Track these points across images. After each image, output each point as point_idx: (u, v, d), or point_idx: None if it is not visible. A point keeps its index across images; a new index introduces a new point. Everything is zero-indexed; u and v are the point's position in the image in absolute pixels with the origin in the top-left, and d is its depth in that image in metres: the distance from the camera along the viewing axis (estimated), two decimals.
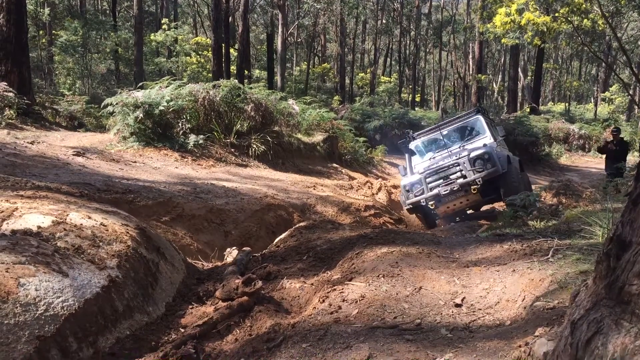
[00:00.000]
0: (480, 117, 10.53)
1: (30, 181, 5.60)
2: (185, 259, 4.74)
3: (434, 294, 3.16)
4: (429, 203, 9.40)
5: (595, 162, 22.37)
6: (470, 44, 41.89)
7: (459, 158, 9.37)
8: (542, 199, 8.56)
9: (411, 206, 9.68)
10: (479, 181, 8.98)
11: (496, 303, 2.96)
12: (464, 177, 9.14)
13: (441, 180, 9.31)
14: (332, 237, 5.10)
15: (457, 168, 9.24)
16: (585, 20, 15.06)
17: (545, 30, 14.30)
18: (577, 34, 16.04)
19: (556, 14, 14.82)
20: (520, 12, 14.35)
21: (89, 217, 3.69)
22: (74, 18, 26.06)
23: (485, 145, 9.62)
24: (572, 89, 47.20)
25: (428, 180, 9.44)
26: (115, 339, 2.95)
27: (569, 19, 14.45)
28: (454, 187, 9.16)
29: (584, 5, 14.03)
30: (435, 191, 9.29)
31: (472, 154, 9.24)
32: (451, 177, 9.27)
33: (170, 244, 4.61)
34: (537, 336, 2.03)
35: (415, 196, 9.52)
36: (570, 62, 52.77)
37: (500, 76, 48.15)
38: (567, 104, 45.31)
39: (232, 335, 3.14)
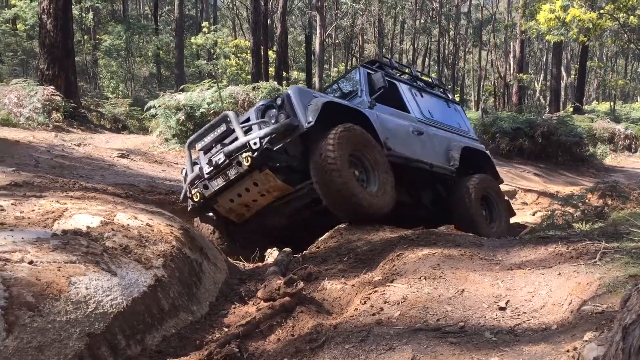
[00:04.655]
0: (361, 70, 6.80)
1: (78, 182, 5.78)
2: (227, 259, 4.81)
3: (477, 297, 3.12)
4: (193, 193, 5.69)
5: None
6: (511, 43, 41.14)
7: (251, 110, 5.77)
8: (587, 201, 8.34)
9: (189, 205, 5.98)
10: (256, 143, 5.11)
11: (542, 307, 2.91)
12: (236, 139, 5.33)
13: (218, 147, 5.59)
14: (372, 238, 5.09)
15: (227, 126, 5.49)
16: (631, 17, 14.66)
17: (590, 27, 13.97)
18: (624, 30, 15.61)
19: (601, 11, 14.47)
20: (564, 8, 14.06)
21: (135, 218, 3.78)
22: (117, 23, 26.69)
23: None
24: (617, 87, 45.86)
25: (199, 146, 5.81)
26: (161, 337, 3.01)
27: (614, 15, 14.09)
28: (219, 160, 5.37)
29: (630, 2, 13.66)
30: (196, 169, 5.68)
31: (268, 101, 5.69)
32: (226, 141, 5.53)
33: (213, 244, 4.68)
34: (586, 341, 1.99)
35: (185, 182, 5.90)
36: (615, 60, 51.34)
37: (542, 75, 47.20)
38: (612, 103, 44.08)
39: (274, 335, 3.17)
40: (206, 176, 5.50)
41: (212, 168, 5.43)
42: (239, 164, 5.19)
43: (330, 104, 5.52)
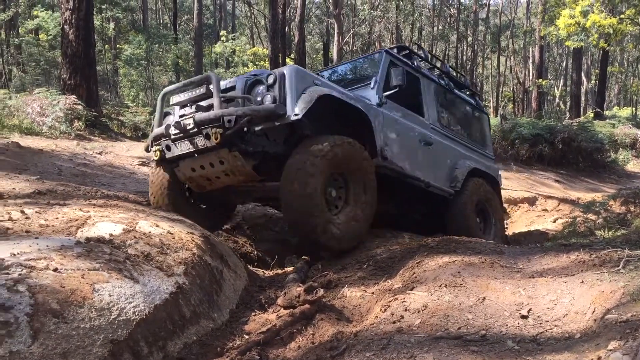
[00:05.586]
0: (384, 57, 5.95)
1: (100, 190, 5.85)
2: (246, 266, 4.83)
3: (499, 305, 3.10)
4: (154, 150, 5.14)
5: None
6: (530, 48, 40.86)
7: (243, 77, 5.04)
8: (610, 208, 8.23)
9: (151, 156, 5.44)
10: (230, 121, 4.46)
11: (564, 315, 2.88)
12: (211, 108, 4.72)
13: (193, 109, 4.94)
14: (391, 245, 5.08)
15: (207, 89, 4.73)
16: None
17: (611, 32, 13.84)
18: None
19: (622, 16, 14.33)
20: (584, 14, 13.95)
21: (157, 225, 3.82)
22: (137, 32, 27.01)
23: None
24: (639, 92, 45.24)
25: (174, 100, 5.07)
26: (183, 344, 3.03)
27: (635, 20, 13.95)
28: (188, 125, 4.73)
29: None
30: (164, 124, 5.03)
31: (260, 75, 4.92)
32: (203, 104, 4.87)
33: (233, 252, 4.71)
34: (611, 350, 1.97)
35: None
36: (636, 65, 50.60)
37: (562, 81, 46.70)
38: (633, 109, 43.50)
39: (295, 343, 3.18)
40: (172, 137, 4.88)
41: (178, 131, 4.80)
42: (207, 136, 4.56)
43: (327, 98, 4.81)
